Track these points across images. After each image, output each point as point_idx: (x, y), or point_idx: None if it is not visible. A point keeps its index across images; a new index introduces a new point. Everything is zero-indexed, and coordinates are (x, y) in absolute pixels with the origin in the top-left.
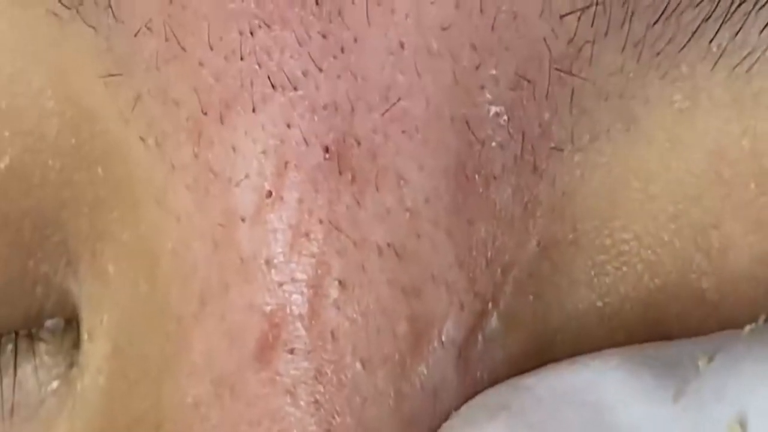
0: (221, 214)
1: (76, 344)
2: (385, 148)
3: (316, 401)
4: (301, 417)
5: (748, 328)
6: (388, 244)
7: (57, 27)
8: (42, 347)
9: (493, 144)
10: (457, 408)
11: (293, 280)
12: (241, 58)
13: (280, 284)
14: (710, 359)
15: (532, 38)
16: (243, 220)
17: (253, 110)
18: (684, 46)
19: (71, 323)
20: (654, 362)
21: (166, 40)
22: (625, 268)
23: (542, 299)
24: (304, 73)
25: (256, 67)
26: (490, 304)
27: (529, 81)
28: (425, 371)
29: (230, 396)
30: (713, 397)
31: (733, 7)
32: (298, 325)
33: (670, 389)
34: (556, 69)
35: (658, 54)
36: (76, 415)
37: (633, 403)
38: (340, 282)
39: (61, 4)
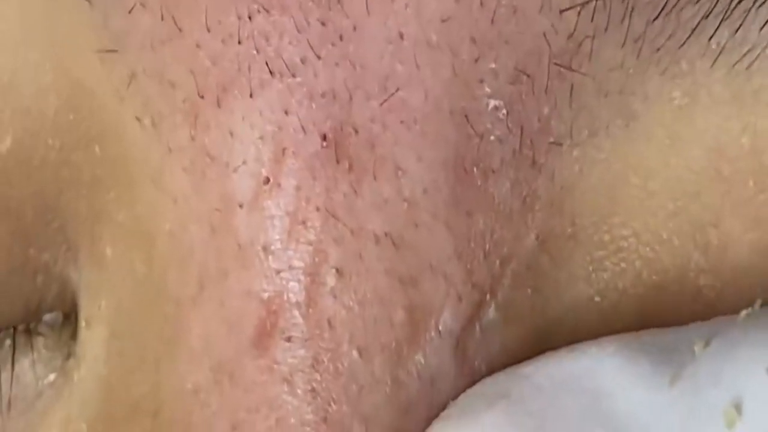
0: (218, 199)
1: (74, 338)
2: (384, 137)
3: (313, 389)
4: (298, 405)
5: (744, 312)
6: (386, 234)
7: (53, 0)
8: (40, 341)
9: (492, 138)
10: (455, 397)
11: (290, 267)
12: (239, 42)
13: (278, 271)
14: (706, 344)
15: (531, 33)
16: (240, 206)
17: (251, 95)
18: (684, 42)
19: (69, 317)
20: (651, 348)
21: (162, 18)
22: (623, 264)
23: (540, 292)
24: (303, 60)
25: (254, 52)
26: (488, 296)
27: (528, 75)
28: (422, 360)
29: (229, 382)
30: (709, 382)
31: (733, 4)
32: (296, 312)
33: (666, 374)
34: (556, 64)
35: (657, 50)
36: (73, 402)
37: (630, 389)
38: (337, 270)
39: None
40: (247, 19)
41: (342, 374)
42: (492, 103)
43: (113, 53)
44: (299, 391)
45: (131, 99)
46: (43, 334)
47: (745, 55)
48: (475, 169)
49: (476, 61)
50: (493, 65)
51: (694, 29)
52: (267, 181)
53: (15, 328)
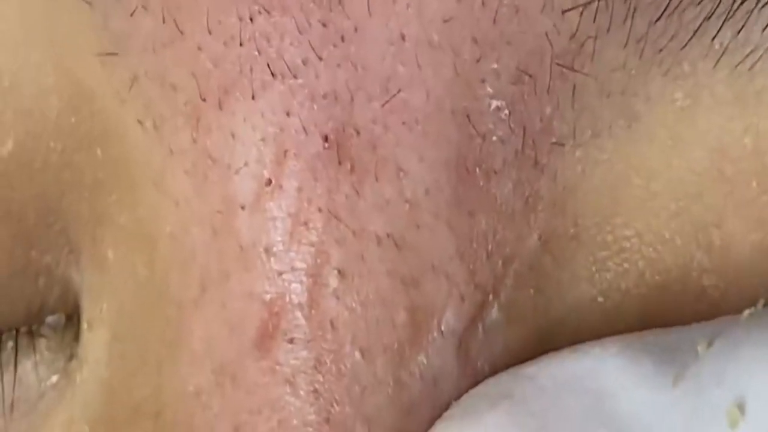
0: (220, 200)
1: (76, 339)
2: (385, 138)
3: (316, 390)
4: (300, 406)
5: (747, 312)
6: (388, 235)
7: (53, 1)
8: (42, 343)
9: (494, 138)
10: (458, 397)
11: (293, 268)
12: (241, 44)
13: (280, 273)
14: (709, 344)
15: (533, 33)
16: (242, 207)
17: (253, 97)
18: (686, 43)
19: (72, 319)
20: (654, 348)
21: (164, 21)
22: (626, 265)
23: (543, 293)
24: (304, 62)
25: (256, 53)
26: (490, 296)
27: (530, 76)
28: (425, 360)
29: (231, 384)
30: (712, 382)
31: (736, 5)
32: (298, 314)
33: (669, 375)
34: (558, 64)
35: (660, 51)
36: (76, 404)
37: (634, 390)
38: (339, 271)
39: None
40: (249, 21)
41: (344, 375)
42: (494, 103)
43: (114, 56)
44: (302, 393)
45: (133, 102)
46: (45, 336)
47: (747, 56)
48: (477, 170)
49: (478, 61)
50: (495, 65)
51: (697, 30)
52: (269, 182)
53: (17, 330)
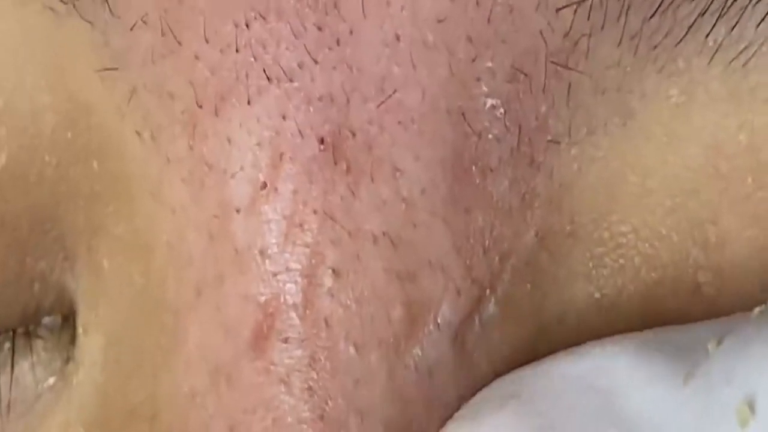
0: (216, 205)
1: (73, 341)
2: (381, 139)
3: (310, 388)
4: (294, 404)
5: (757, 310)
6: (384, 233)
7: (53, 22)
8: (39, 344)
9: (490, 136)
10: (454, 389)
11: (287, 269)
12: (237, 51)
13: (275, 274)
14: (719, 342)
15: (528, 31)
16: (238, 211)
17: (248, 102)
18: (680, 40)
19: (68, 320)
20: (664, 346)
21: (163, 34)
22: (622, 261)
23: (540, 289)
24: (300, 65)
25: (252, 59)
26: (487, 291)
27: (525, 74)
28: (420, 353)
29: (226, 385)
30: (722, 380)
31: (730, 2)
32: (292, 314)
33: (680, 373)
34: (553, 62)
35: (654, 48)
36: (72, 407)
37: (644, 388)
38: (334, 270)
39: None
40: (245, 27)
41: (338, 371)
42: (489, 101)
43: (114, 71)
44: (296, 391)
45: (132, 114)
46: (42, 337)
47: (741, 52)
48: (473, 168)
49: (473, 60)
50: (489, 64)
51: (691, 27)
52: (264, 186)
53: (14, 331)
